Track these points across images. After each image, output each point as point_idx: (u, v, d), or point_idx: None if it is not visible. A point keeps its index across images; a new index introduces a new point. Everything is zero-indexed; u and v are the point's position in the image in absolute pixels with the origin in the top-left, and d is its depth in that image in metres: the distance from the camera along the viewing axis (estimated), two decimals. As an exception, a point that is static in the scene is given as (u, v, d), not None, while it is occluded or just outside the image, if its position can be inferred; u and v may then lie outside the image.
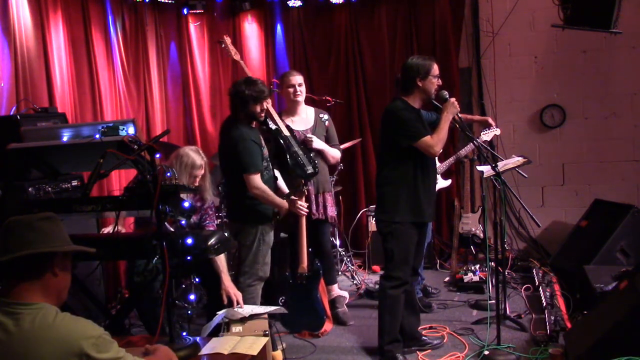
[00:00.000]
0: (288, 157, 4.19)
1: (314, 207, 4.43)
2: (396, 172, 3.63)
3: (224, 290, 3.61)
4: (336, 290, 4.67)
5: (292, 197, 3.93)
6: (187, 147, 3.82)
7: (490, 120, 4.49)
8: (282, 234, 4.94)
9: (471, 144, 4.09)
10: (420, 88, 3.64)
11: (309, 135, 4.44)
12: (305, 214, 4.11)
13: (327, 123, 4.59)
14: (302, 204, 3.98)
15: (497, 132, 4.67)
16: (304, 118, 4.55)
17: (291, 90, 4.46)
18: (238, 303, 3.54)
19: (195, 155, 3.73)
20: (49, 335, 1.78)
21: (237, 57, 4.43)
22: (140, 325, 4.14)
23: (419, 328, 4.01)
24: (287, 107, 4.62)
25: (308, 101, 4.77)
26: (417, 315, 4.00)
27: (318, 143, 4.46)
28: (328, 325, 4.37)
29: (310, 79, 6.18)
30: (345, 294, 4.77)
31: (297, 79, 4.48)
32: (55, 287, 1.92)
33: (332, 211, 4.58)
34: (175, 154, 3.77)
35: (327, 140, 4.58)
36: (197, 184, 3.76)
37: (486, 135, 4.61)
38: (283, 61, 6.53)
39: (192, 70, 6.21)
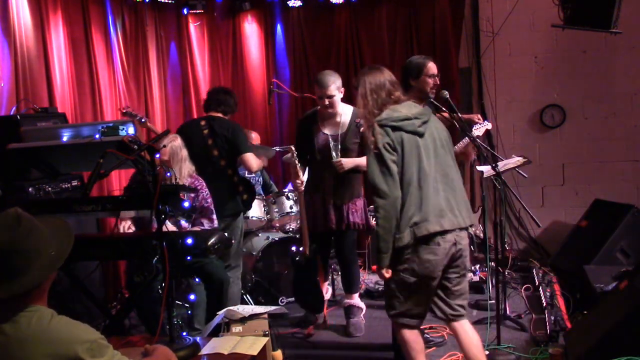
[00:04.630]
0: None
1: (333, 218, 4.24)
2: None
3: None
4: (354, 299, 4.45)
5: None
6: (167, 140, 3.77)
7: (479, 117, 4.47)
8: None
9: (465, 138, 4.12)
10: (414, 87, 3.66)
11: (339, 157, 4.17)
12: (300, 190, 4.21)
13: (362, 128, 4.14)
14: (297, 181, 4.17)
15: (488, 126, 4.49)
16: (337, 122, 4.27)
17: (320, 102, 4.18)
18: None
19: (176, 142, 3.91)
20: (44, 337, 1.78)
21: (146, 122, 4.79)
22: (140, 325, 4.14)
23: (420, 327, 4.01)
24: (321, 112, 4.31)
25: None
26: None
27: (348, 164, 4.17)
28: (321, 317, 4.44)
29: (310, 78, 6.18)
30: (363, 305, 4.49)
31: (330, 89, 4.09)
32: (47, 288, 1.92)
33: (353, 218, 4.30)
34: (169, 153, 3.82)
35: (364, 146, 4.23)
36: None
37: (478, 130, 4.51)
38: (283, 61, 6.53)
39: (192, 70, 6.20)
